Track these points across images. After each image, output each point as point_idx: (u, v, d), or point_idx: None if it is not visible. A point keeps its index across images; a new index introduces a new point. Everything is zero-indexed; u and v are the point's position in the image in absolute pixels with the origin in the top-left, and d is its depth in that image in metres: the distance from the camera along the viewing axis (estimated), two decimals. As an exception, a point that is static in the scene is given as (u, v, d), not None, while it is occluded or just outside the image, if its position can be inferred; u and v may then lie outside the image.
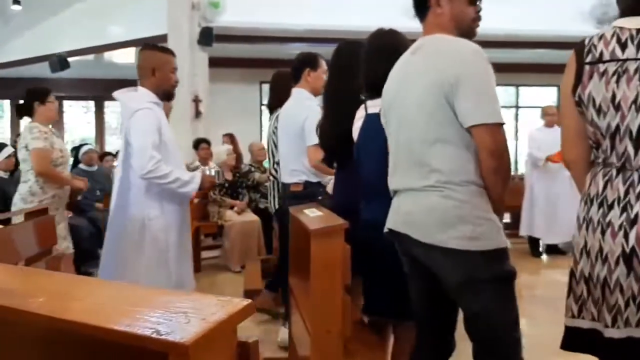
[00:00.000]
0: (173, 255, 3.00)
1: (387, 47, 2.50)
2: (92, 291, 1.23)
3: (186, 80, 7.82)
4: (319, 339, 2.38)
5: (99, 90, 12.78)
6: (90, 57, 10.14)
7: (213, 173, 3.05)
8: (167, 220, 2.97)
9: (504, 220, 8.53)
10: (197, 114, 7.90)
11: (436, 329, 2.23)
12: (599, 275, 1.76)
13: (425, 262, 2.03)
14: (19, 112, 4.33)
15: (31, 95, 4.19)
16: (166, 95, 3.11)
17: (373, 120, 2.48)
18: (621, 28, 1.76)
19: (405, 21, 8.91)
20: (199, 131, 7.84)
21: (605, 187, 1.77)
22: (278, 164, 3.84)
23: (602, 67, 1.76)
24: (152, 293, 1.19)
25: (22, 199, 4.03)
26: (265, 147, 4.02)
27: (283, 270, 3.58)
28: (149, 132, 2.86)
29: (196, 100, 7.88)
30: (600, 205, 1.77)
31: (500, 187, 1.92)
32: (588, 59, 1.79)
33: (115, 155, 9.06)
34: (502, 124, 1.91)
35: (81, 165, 6.72)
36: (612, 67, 1.73)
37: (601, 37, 1.79)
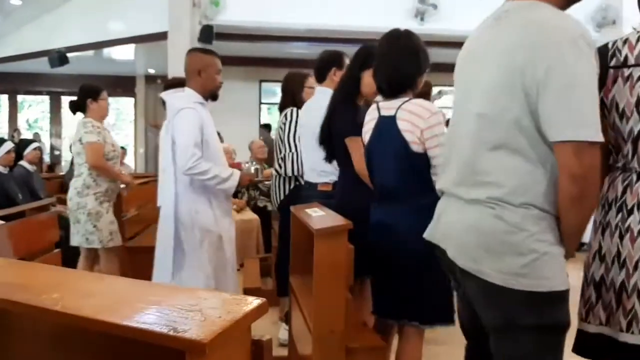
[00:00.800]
0: (227, 247, 3.16)
1: (411, 47, 2.49)
2: (106, 288, 1.24)
3: (186, 78, 7.82)
4: (321, 338, 2.39)
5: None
6: (90, 53, 10.14)
7: (252, 170, 3.14)
8: (215, 214, 3.12)
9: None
10: (197, 112, 7.90)
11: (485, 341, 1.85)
12: (614, 280, 1.75)
13: (462, 284, 1.73)
14: (72, 109, 4.41)
15: (84, 93, 4.30)
16: (212, 95, 3.23)
17: (387, 123, 2.46)
18: None
19: (407, 22, 8.94)
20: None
21: (624, 192, 1.75)
22: (283, 159, 3.86)
23: (627, 71, 1.74)
24: (167, 290, 1.20)
25: (78, 193, 4.12)
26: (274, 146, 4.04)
27: (283, 265, 3.61)
28: (191, 131, 2.99)
29: (195, 99, 7.87)
30: (620, 209, 1.76)
31: (578, 220, 1.54)
32: (612, 63, 1.78)
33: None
34: (595, 143, 1.46)
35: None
36: (637, 72, 1.72)
37: (625, 40, 1.78)
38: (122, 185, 4.49)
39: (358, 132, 2.72)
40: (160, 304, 1.09)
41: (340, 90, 2.96)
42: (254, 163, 3.36)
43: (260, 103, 12.37)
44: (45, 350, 1.25)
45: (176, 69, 8.02)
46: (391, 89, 2.52)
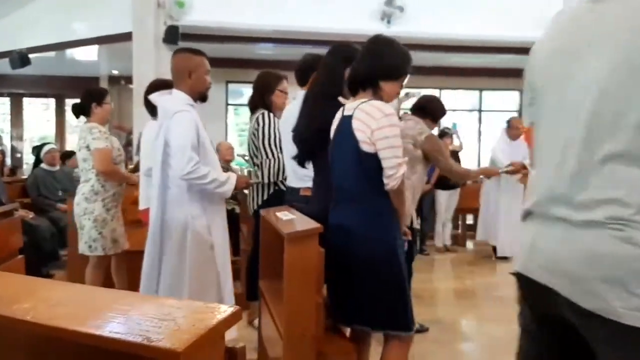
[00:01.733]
0: (219, 253, 3.07)
1: (378, 51, 2.54)
2: (77, 297, 1.22)
3: (151, 79, 7.72)
4: (292, 342, 2.40)
5: (60, 88, 12.56)
6: (52, 54, 9.95)
7: (245, 173, 3.12)
8: (209, 219, 3.05)
9: (467, 222, 8.64)
10: (162, 113, 7.82)
11: None
12: None
13: (580, 330, 1.37)
14: (75, 112, 4.40)
15: (88, 97, 4.29)
16: (201, 96, 3.17)
17: (346, 123, 2.48)
18: None
19: (373, 24, 8.97)
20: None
21: None
22: (260, 166, 3.83)
23: None
24: (139, 299, 1.19)
25: (86, 199, 4.12)
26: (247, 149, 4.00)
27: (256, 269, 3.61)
28: (188, 134, 2.93)
29: (161, 100, 7.80)
30: None
31: None
32: None
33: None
34: None
35: (43, 165, 6.58)
36: None
37: None
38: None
39: None
40: (133, 313, 1.09)
41: (321, 87, 2.91)
42: (247, 165, 3.36)
43: (227, 104, 12.31)
44: (15, 361, 1.23)
45: (141, 70, 7.95)
46: (350, 87, 2.60)
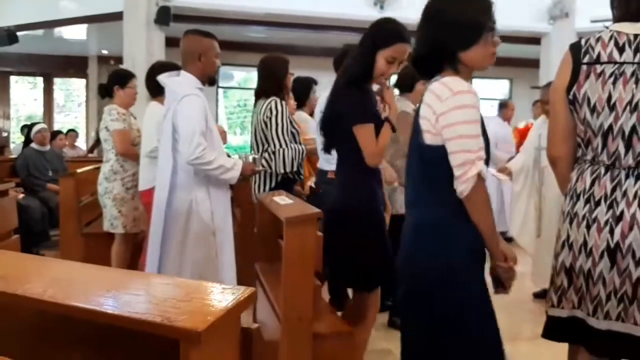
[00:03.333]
0: (219, 239, 3.06)
1: (431, 14, 1.89)
2: (91, 277, 1.24)
3: (142, 61, 7.67)
4: (289, 325, 2.42)
5: (48, 67, 12.41)
6: (40, 32, 9.81)
7: (251, 159, 3.07)
8: (213, 205, 3.04)
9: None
10: (153, 95, 7.77)
11: None
12: (582, 267, 1.85)
13: None
14: (100, 93, 4.52)
15: (112, 79, 4.38)
16: (210, 80, 3.14)
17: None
18: (619, 32, 1.84)
19: (366, 10, 8.91)
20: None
21: (592, 184, 1.84)
22: (273, 154, 3.74)
23: (599, 68, 1.83)
24: (158, 280, 1.21)
25: (106, 178, 4.25)
26: (253, 136, 3.93)
27: None
28: (197, 119, 2.91)
29: (152, 81, 7.74)
30: (587, 201, 1.84)
31: None
32: (585, 60, 1.85)
33: (66, 134, 8.86)
34: None
35: (33, 145, 6.52)
36: (609, 69, 1.81)
37: (598, 39, 1.86)
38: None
39: (368, 119, 2.50)
40: (150, 294, 1.11)
41: (343, 72, 2.66)
42: (252, 152, 3.31)
43: (218, 87, 12.25)
44: (29, 341, 1.24)
45: (131, 50, 7.87)
46: (421, 73, 1.99)
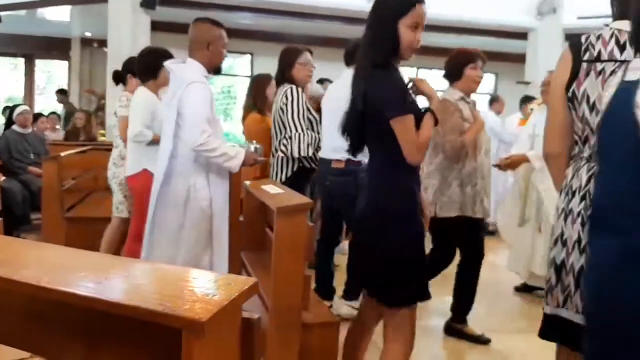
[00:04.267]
0: (216, 226, 3.06)
1: None
2: (88, 263, 1.22)
3: (127, 44, 7.59)
4: (279, 313, 2.42)
5: (30, 48, 12.20)
6: (22, 12, 9.64)
7: (252, 149, 3.09)
8: (212, 191, 3.04)
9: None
10: (137, 79, 7.69)
11: None
12: (574, 265, 1.86)
13: None
14: (114, 79, 4.63)
15: (126, 66, 4.42)
16: (216, 69, 3.17)
17: (625, 93, 1.47)
18: (620, 30, 1.84)
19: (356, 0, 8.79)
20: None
21: (588, 181, 1.85)
22: (290, 139, 3.81)
23: (599, 66, 1.83)
24: (158, 269, 1.19)
25: (114, 164, 4.31)
26: (273, 124, 4.02)
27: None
28: (203, 106, 2.92)
29: (137, 65, 7.66)
30: (583, 198, 1.85)
31: None
32: (586, 57, 1.86)
33: (47, 117, 8.72)
34: None
35: (15, 127, 6.40)
36: (609, 67, 1.81)
37: (599, 36, 1.87)
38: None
39: (407, 110, 2.14)
40: (154, 283, 1.09)
41: (367, 56, 2.19)
42: (254, 142, 3.30)
43: (201, 73, 12.14)
44: (20, 324, 1.22)
45: (117, 33, 7.76)
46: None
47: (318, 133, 3.87)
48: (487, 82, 12.36)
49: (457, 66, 3.61)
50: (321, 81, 6.64)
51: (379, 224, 2.15)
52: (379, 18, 2.19)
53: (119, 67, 4.62)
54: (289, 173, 3.87)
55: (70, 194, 5.09)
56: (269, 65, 6.13)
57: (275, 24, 10.03)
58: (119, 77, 4.54)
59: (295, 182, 3.66)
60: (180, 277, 1.13)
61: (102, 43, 9.09)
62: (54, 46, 12.03)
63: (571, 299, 1.87)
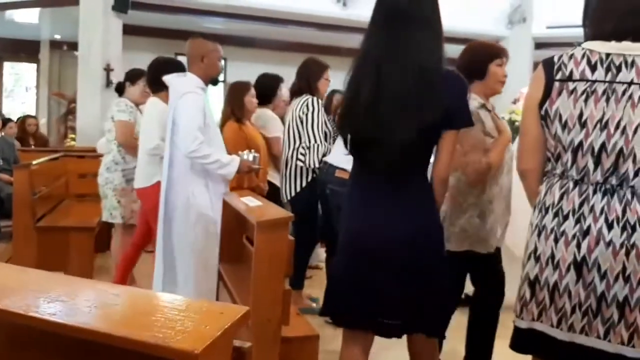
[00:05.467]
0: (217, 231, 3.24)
1: None
2: (72, 291, 1.20)
3: (98, 48, 7.50)
4: (258, 327, 2.42)
5: (-3, 50, 11.98)
6: (-11, 14, 9.46)
7: (251, 158, 3.20)
8: (211, 197, 3.21)
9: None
10: (108, 83, 7.58)
11: None
12: (548, 280, 1.90)
13: None
14: (116, 89, 4.67)
15: (126, 77, 4.54)
16: (212, 80, 3.38)
17: None
18: (591, 50, 1.88)
19: (329, 6, 8.87)
20: (110, 101, 7.53)
21: (561, 198, 1.89)
22: (308, 149, 3.91)
23: (571, 85, 1.87)
24: (148, 297, 1.19)
25: (107, 169, 4.32)
26: (287, 133, 4.09)
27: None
28: (195, 115, 3.10)
29: (107, 69, 7.56)
30: (556, 215, 1.89)
31: None
32: (558, 76, 1.89)
33: (16, 122, 8.55)
34: None
35: (-17, 132, 6.30)
36: (581, 87, 1.85)
37: (571, 56, 1.90)
38: None
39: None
40: (144, 312, 1.09)
41: (433, 56, 2.09)
42: (252, 151, 3.35)
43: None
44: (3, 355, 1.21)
45: (87, 37, 7.65)
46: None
47: (331, 144, 4.02)
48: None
49: (479, 63, 2.82)
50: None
51: (440, 246, 2.12)
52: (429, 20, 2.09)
53: (90, 71, 4.71)
54: (304, 183, 3.99)
55: (43, 202, 5.00)
56: (243, 71, 6.13)
57: (248, 29, 10.01)
58: (118, 87, 4.62)
59: (311, 192, 3.86)
60: (170, 305, 1.12)
61: (72, 46, 8.96)
62: (23, 48, 11.82)
63: (546, 312, 1.91)
